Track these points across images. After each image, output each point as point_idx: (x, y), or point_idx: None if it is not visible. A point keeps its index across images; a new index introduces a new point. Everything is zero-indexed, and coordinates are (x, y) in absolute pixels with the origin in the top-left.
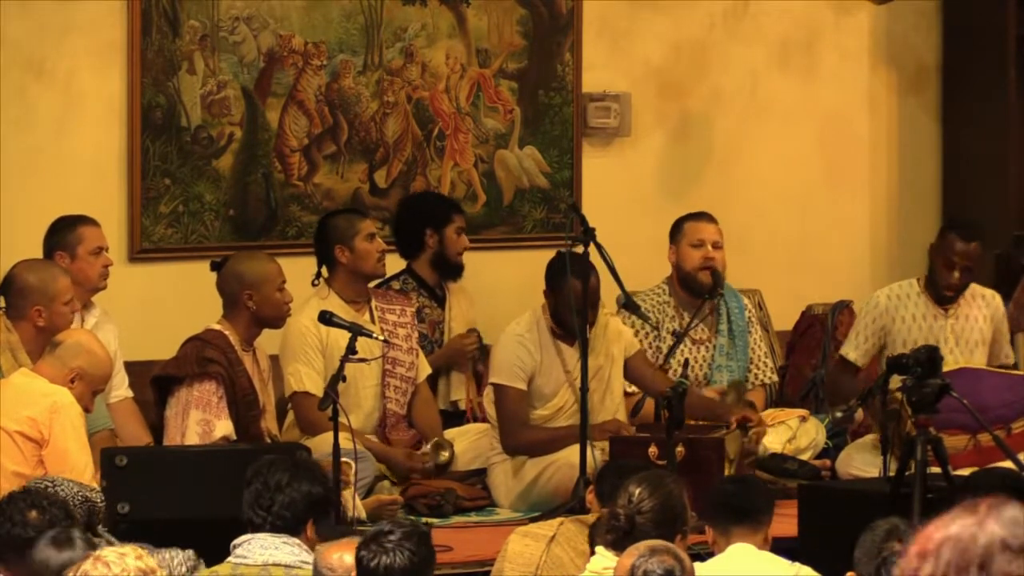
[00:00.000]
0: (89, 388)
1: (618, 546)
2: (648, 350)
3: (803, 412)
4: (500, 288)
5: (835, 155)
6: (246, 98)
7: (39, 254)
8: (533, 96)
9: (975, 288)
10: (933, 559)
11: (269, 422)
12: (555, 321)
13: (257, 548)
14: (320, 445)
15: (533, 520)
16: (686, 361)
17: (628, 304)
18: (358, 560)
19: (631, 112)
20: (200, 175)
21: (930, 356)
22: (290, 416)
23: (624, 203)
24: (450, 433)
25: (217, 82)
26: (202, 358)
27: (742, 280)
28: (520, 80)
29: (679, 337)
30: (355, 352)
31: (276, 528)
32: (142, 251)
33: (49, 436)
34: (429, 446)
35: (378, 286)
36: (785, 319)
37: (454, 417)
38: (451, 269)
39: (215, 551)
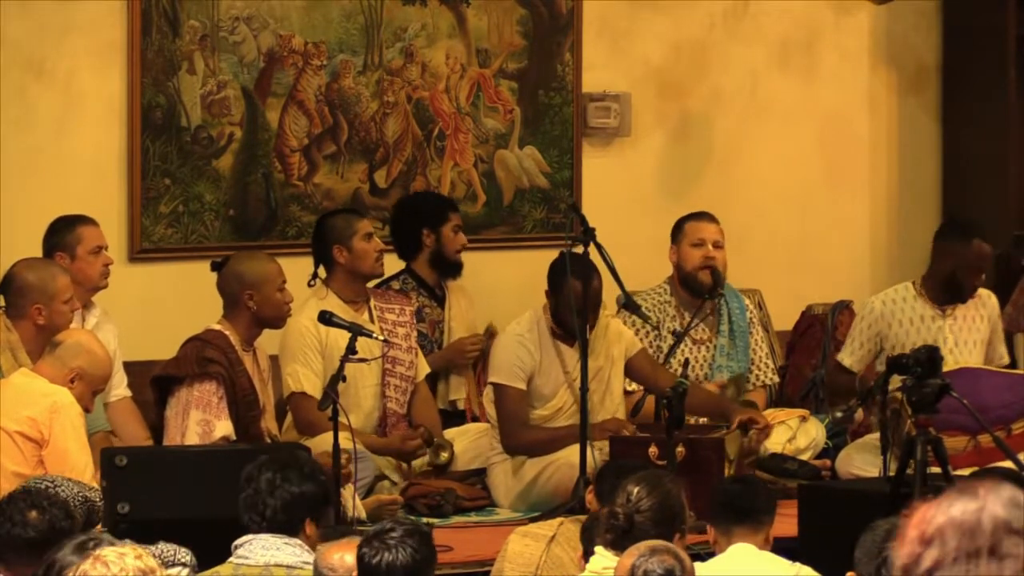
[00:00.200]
0: (89, 388)
1: (617, 545)
2: (649, 350)
3: (803, 412)
4: (500, 288)
5: (835, 155)
6: (246, 98)
7: (39, 254)
8: (533, 96)
9: None
10: (938, 544)
11: (269, 422)
12: (556, 322)
13: (259, 549)
14: (320, 445)
15: (533, 520)
16: (686, 361)
17: (628, 304)
18: (360, 557)
19: (631, 112)
20: (200, 175)
21: (930, 356)
22: (289, 416)
23: (624, 203)
24: (450, 433)
25: (217, 82)
26: (202, 358)
27: (742, 280)
28: (520, 80)
29: (679, 337)
30: (355, 352)
31: (273, 531)
32: (142, 251)
33: (49, 436)
34: (430, 450)
35: (378, 286)
36: (785, 319)
37: (454, 417)
38: (450, 267)
39: (215, 551)
